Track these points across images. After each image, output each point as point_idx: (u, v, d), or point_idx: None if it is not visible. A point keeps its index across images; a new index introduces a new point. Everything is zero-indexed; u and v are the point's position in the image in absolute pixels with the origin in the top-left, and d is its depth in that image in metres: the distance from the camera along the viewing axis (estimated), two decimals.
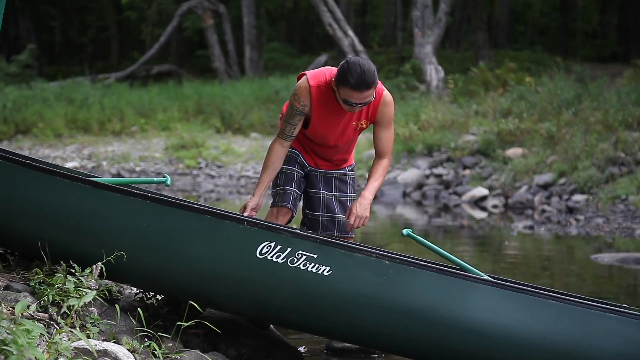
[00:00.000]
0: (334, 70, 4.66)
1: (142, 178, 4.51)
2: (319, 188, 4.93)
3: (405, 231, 4.35)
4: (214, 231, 3.92)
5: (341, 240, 4.41)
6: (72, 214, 3.91)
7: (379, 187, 4.79)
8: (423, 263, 4.04)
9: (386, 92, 4.68)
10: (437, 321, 3.93)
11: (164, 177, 4.66)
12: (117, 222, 3.92)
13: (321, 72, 4.68)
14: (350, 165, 5.06)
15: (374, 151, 4.86)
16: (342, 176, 5.00)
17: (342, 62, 4.50)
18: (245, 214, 4.55)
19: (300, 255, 3.91)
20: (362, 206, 4.64)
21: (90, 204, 3.91)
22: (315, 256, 3.91)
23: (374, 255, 3.93)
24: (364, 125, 4.79)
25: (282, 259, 3.91)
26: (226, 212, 4.09)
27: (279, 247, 3.91)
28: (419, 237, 4.37)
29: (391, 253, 4.07)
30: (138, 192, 3.97)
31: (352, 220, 4.63)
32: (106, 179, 4.51)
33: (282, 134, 4.69)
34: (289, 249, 3.91)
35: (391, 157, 4.81)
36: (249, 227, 3.91)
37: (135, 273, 4.03)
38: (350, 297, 3.93)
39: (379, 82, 4.61)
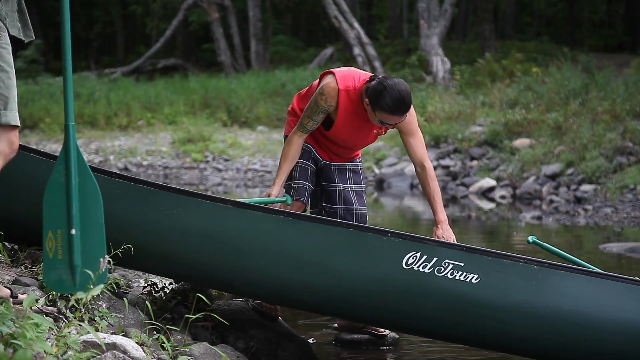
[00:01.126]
0: (362, 75, 4.64)
1: (262, 198, 4.55)
2: (334, 181, 4.94)
3: (530, 238, 4.37)
4: (357, 244, 3.90)
5: (486, 248, 4.42)
6: (217, 235, 3.93)
7: (442, 202, 4.78)
8: (572, 266, 4.00)
9: None
10: (592, 325, 3.89)
11: (284, 196, 4.67)
12: (260, 241, 3.92)
13: (350, 76, 4.64)
14: (359, 157, 5.09)
15: (380, 143, 4.88)
16: (354, 167, 5.01)
17: (375, 83, 4.46)
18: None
19: (447, 264, 3.89)
20: (447, 231, 4.63)
21: (233, 224, 3.92)
22: (462, 264, 3.88)
23: (521, 260, 3.89)
24: (384, 132, 4.82)
25: (428, 269, 3.88)
26: (368, 226, 4.06)
27: (424, 257, 3.88)
28: (546, 244, 4.38)
29: (537, 259, 4.00)
30: (279, 210, 3.99)
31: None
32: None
33: (302, 128, 4.68)
34: (435, 259, 3.88)
35: (430, 161, 4.82)
36: (392, 238, 3.89)
37: (280, 291, 4.05)
38: (500, 304, 3.90)
39: None
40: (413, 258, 3.89)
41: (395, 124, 4.53)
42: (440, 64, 20.63)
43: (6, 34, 3.21)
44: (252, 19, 26.25)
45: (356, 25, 22.49)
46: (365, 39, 22.23)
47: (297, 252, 3.93)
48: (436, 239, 4.51)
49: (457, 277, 3.88)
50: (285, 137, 4.91)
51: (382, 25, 32.99)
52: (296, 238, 3.92)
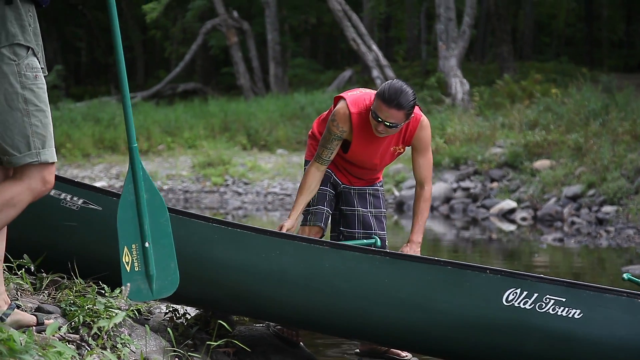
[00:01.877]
0: (373, 94, 4.66)
1: (354, 241, 4.62)
2: (354, 205, 4.93)
3: (625, 276, 4.35)
4: (456, 282, 3.90)
5: (588, 282, 4.42)
6: (314, 277, 3.95)
7: (424, 225, 4.80)
8: None
9: (424, 117, 4.72)
10: None
11: (373, 238, 4.72)
12: (358, 281, 3.93)
13: (361, 98, 4.67)
14: (380, 181, 5.08)
15: (400, 165, 4.91)
16: (374, 192, 5.01)
17: (391, 80, 4.55)
18: None
19: (548, 299, 3.87)
20: (413, 252, 4.67)
21: (330, 265, 3.94)
22: (564, 300, 3.86)
23: (624, 294, 3.87)
24: (402, 150, 4.82)
25: (529, 305, 3.87)
26: (466, 263, 4.07)
27: (525, 292, 3.87)
28: None
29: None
30: (377, 249, 4.01)
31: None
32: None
33: (319, 159, 4.68)
34: (535, 294, 3.86)
35: (431, 184, 4.83)
36: (492, 275, 3.89)
37: (379, 330, 4.05)
38: (604, 339, 3.87)
39: (418, 107, 4.62)
40: (513, 294, 3.88)
41: (386, 123, 4.47)
42: (459, 85, 20.63)
43: (41, 73, 3.29)
44: (271, 42, 26.38)
45: (374, 47, 22.55)
46: (383, 61, 22.28)
47: (395, 292, 3.92)
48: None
49: (559, 313, 3.86)
50: (307, 161, 4.91)
51: (401, 47, 33.06)
52: (394, 277, 3.91)
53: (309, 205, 4.82)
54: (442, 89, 21.25)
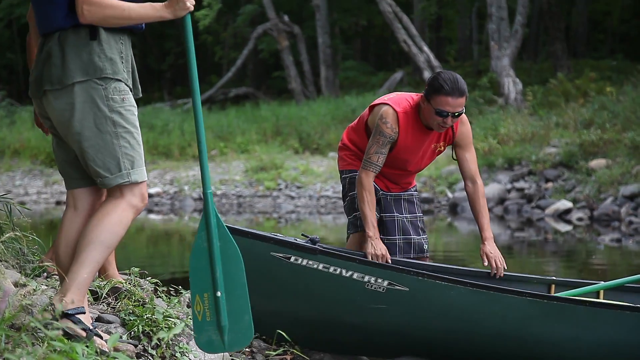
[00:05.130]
0: (413, 95, 4.69)
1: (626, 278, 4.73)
2: (392, 211, 4.95)
3: None
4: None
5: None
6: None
7: (489, 219, 4.82)
8: None
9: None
10: None
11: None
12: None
13: (402, 99, 4.71)
14: (414, 186, 5.12)
15: (453, 167, 4.92)
16: (409, 197, 5.04)
17: (431, 76, 4.59)
18: (383, 261, 4.49)
19: None
20: (493, 248, 4.69)
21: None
22: None
23: None
24: (442, 148, 4.83)
25: None
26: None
27: None
28: None
29: None
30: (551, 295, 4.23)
31: (493, 263, 4.65)
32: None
33: (370, 166, 4.68)
34: None
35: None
36: None
37: None
38: None
39: None
40: None
41: (454, 113, 4.49)
42: (511, 85, 20.43)
43: (130, 95, 3.42)
44: (322, 45, 26.41)
45: (425, 48, 22.44)
46: (435, 62, 22.16)
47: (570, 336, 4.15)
48: (486, 258, 4.63)
49: None
50: (343, 172, 4.94)
51: (452, 47, 32.86)
52: (565, 321, 4.14)
53: (355, 210, 4.82)
54: (494, 89, 21.07)
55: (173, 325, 3.65)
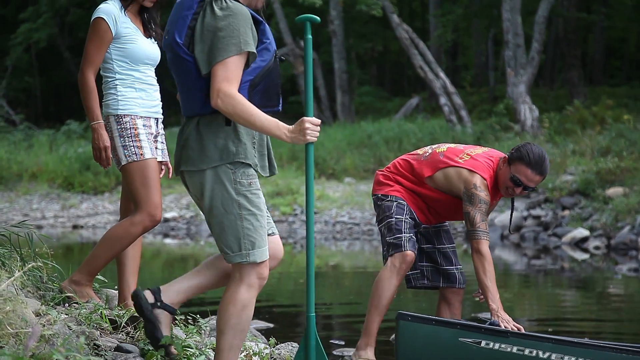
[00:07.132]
0: (492, 155, 4.94)
1: None
2: (434, 243, 5.15)
3: None
4: None
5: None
6: None
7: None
8: None
9: None
10: None
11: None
12: None
13: (482, 162, 4.86)
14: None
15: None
16: (446, 227, 5.25)
17: (523, 143, 4.78)
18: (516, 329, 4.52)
19: None
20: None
21: None
22: None
23: None
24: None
25: None
26: None
27: None
28: None
29: None
30: None
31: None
32: None
33: (484, 234, 4.80)
34: None
35: None
36: None
37: None
38: None
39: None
40: None
41: (526, 187, 4.71)
42: (528, 111, 20.41)
43: (257, 179, 3.64)
44: (338, 70, 26.51)
45: (442, 75, 22.47)
46: (451, 88, 22.17)
47: None
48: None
49: None
50: (383, 196, 4.98)
51: (468, 73, 32.91)
52: None
53: (400, 232, 4.85)
54: (510, 116, 21.05)
55: (192, 356, 3.66)
